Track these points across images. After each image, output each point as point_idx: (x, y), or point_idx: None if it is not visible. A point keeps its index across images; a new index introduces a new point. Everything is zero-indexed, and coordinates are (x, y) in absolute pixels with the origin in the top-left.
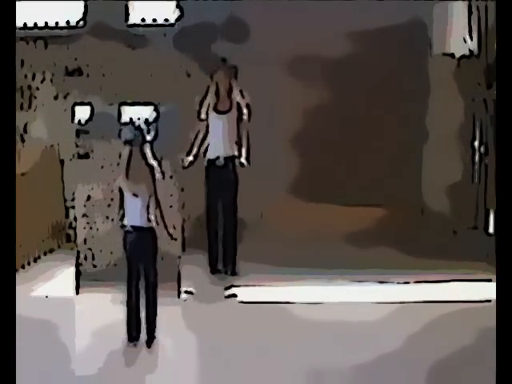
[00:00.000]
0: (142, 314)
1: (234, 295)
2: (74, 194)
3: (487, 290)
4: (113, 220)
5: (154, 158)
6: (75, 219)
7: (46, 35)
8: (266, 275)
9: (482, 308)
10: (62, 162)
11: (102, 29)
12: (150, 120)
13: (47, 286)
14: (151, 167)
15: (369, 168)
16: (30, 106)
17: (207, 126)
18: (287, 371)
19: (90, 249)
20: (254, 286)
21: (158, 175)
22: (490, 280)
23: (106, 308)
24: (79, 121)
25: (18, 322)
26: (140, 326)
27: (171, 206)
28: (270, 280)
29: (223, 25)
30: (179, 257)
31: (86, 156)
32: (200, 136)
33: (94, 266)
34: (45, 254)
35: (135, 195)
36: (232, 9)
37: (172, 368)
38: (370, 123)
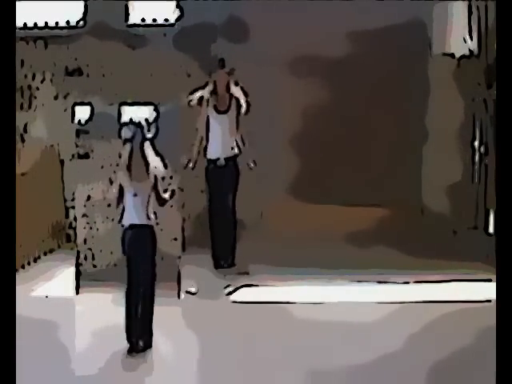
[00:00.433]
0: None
1: (232, 292)
2: (73, 193)
3: (487, 290)
4: (113, 220)
5: (157, 154)
6: (75, 219)
7: (46, 35)
8: (266, 275)
9: (482, 308)
10: (62, 162)
11: (102, 29)
12: (150, 120)
13: (47, 286)
14: (152, 165)
15: (369, 168)
16: (30, 106)
17: (207, 125)
18: (287, 371)
19: (90, 249)
20: (254, 286)
21: (162, 171)
22: (490, 280)
23: (106, 308)
24: (79, 121)
25: (18, 321)
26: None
27: (171, 206)
28: (270, 280)
29: (223, 25)
30: (179, 257)
31: (86, 156)
32: (199, 138)
33: (94, 266)
34: (45, 254)
35: (135, 194)
36: (232, 9)
37: (172, 368)
38: (369, 123)
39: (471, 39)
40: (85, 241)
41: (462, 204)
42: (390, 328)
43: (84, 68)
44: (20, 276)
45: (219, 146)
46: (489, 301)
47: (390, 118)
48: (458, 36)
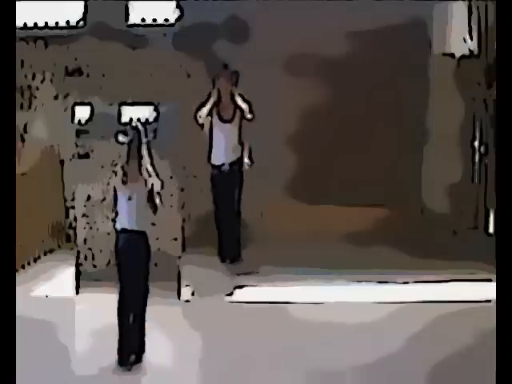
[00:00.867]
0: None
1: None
2: (73, 193)
3: (487, 290)
4: (113, 220)
5: (151, 160)
6: (75, 219)
7: (46, 35)
8: (266, 275)
9: (482, 308)
10: (62, 162)
11: (102, 29)
12: (150, 120)
13: (47, 286)
14: (148, 171)
15: (369, 168)
16: (30, 106)
17: (210, 133)
18: (287, 371)
19: (90, 249)
20: (254, 286)
21: (156, 184)
22: (490, 280)
23: (106, 308)
24: (79, 121)
25: (18, 321)
26: (135, 343)
27: (171, 206)
28: (270, 280)
29: (223, 25)
30: (179, 257)
31: (86, 156)
32: (214, 96)
33: (94, 266)
34: (45, 253)
35: (130, 198)
36: (232, 9)
37: (171, 369)
38: (369, 123)
39: (471, 39)
40: (85, 241)
41: (462, 204)
42: (390, 328)
43: (84, 68)
44: (20, 276)
45: (223, 153)
46: (489, 301)
47: (390, 117)
48: (458, 36)
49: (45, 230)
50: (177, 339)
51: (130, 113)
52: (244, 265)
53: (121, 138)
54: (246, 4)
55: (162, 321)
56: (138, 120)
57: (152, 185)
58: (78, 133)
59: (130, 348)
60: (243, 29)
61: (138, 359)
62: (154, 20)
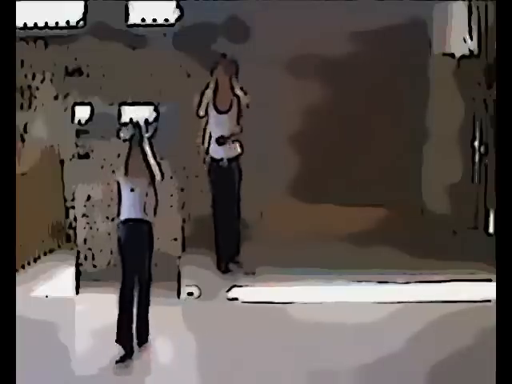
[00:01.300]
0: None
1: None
2: (74, 194)
3: (487, 290)
4: (113, 220)
5: (154, 155)
6: (75, 219)
7: (46, 35)
8: (266, 275)
9: (482, 308)
10: (62, 162)
11: (102, 29)
12: (150, 120)
13: (47, 286)
14: (149, 164)
15: (369, 168)
16: (30, 106)
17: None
18: (287, 372)
19: (90, 249)
20: (254, 286)
21: (157, 174)
22: (490, 280)
23: (106, 308)
24: (79, 121)
25: (17, 321)
26: (132, 335)
27: (171, 206)
28: (270, 280)
29: (223, 25)
30: (179, 257)
31: (86, 156)
32: (211, 87)
33: (94, 266)
34: (45, 254)
35: (132, 189)
36: (232, 9)
37: (171, 369)
38: (369, 123)
39: (471, 39)
40: (85, 241)
41: (462, 204)
42: (390, 328)
43: (84, 68)
44: (20, 276)
45: (221, 147)
46: (489, 301)
47: (389, 117)
48: (458, 36)
49: (45, 230)
50: (177, 339)
51: (130, 113)
52: (244, 265)
53: (123, 133)
54: (245, 4)
55: (161, 321)
56: (137, 123)
57: (154, 179)
58: (78, 133)
59: (129, 338)
60: (243, 29)
61: (144, 337)
62: (154, 20)
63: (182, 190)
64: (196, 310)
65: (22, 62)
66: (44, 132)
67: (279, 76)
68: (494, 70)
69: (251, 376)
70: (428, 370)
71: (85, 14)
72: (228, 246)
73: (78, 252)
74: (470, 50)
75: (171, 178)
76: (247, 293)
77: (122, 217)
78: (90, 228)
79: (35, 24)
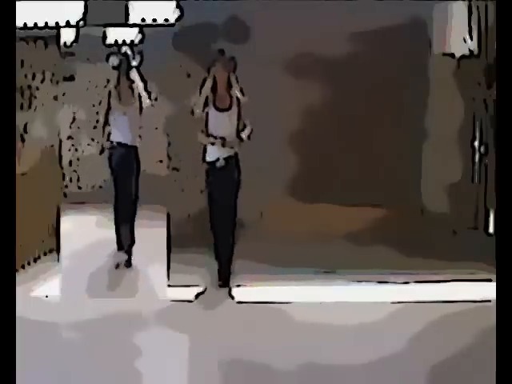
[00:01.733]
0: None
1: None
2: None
3: (487, 290)
4: (98, 142)
5: (142, 80)
6: (60, 142)
7: (46, 35)
8: (266, 275)
9: (482, 308)
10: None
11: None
12: (136, 42)
13: (47, 286)
14: (137, 90)
15: (368, 168)
16: (30, 106)
17: (206, 123)
18: (287, 372)
19: (75, 171)
20: (254, 286)
21: (145, 99)
22: (490, 280)
23: (91, 230)
24: (65, 43)
25: (17, 322)
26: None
27: (156, 128)
28: (270, 280)
29: (223, 25)
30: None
31: (71, 78)
32: (208, 84)
33: (79, 188)
34: (45, 254)
35: (124, 113)
36: (232, 9)
37: (165, 368)
38: (369, 123)
39: (471, 39)
40: (70, 163)
41: (462, 204)
42: (390, 328)
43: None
44: (20, 276)
45: (219, 146)
46: (489, 301)
47: (389, 117)
48: (458, 36)
49: (45, 230)
50: (177, 339)
51: (115, 35)
52: (243, 265)
53: (111, 61)
54: (245, 4)
55: (162, 321)
56: (124, 42)
57: (141, 102)
58: (64, 55)
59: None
60: (243, 29)
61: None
62: (154, 20)
63: (182, 190)
64: (195, 310)
65: (22, 61)
66: (44, 132)
67: (279, 76)
68: (494, 70)
69: (251, 375)
70: (428, 370)
71: (85, 14)
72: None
73: (64, 174)
74: (470, 49)
75: (156, 99)
76: (246, 292)
77: (114, 138)
78: (76, 150)
79: (35, 24)
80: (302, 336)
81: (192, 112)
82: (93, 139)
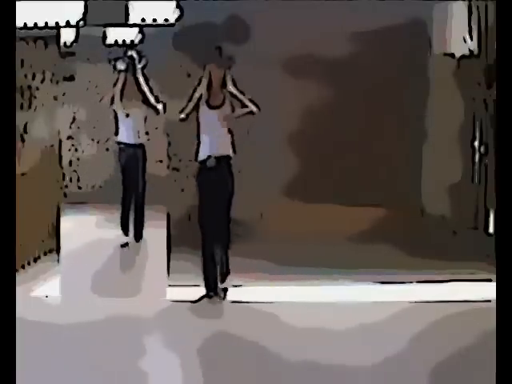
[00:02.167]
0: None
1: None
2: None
3: (487, 290)
4: (98, 142)
5: (147, 82)
6: (60, 142)
7: (46, 35)
8: (266, 275)
9: (482, 308)
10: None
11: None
12: (136, 42)
13: (47, 286)
14: (143, 91)
15: (368, 168)
16: (30, 106)
17: (198, 123)
18: (287, 372)
19: (76, 171)
20: (254, 285)
21: (151, 99)
22: (490, 280)
23: (91, 230)
24: (65, 43)
25: (17, 322)
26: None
27: (156, 128)
28: (270, 280)
29: (223, 25)
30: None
31: (71, 78)
32: (204, 82)
33: (79, 188)
34: (45, 253)
35: (127, 115)
36: (232, 9)
37: (172, 369)
38: (369, 123)
39: (471, 39)
40: (70, 163)
41: (462, 204)
42: (390, 328)
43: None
44: (20, 276)
45: (211, 144)
46: (489, 301)
47: (389, 117)
48: (458, 36)
49: (45, 230)
50: (177, 339)
51: (115, 35)
52: (243, 265)
53: (118, 65)
54: (245, 4)
55: (162, 321)
56: (124, 43)
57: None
58: (64, 55)
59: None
60: (243, 29)
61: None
62: (154, 20)
63: (182, 190)
64: (195, 310)
65: (22, 61)
66: (44, 132)
67: (279, 76)
68: (494, 70)
69: (251, 375)
70: (428, 370)
71: (85, 14)
72: (216, 264)
73: (64, 174)
74: (470, 49)
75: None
76: (246, 292)
77: (121, 138)
78: (76, 150)
79: (35, 24)
80: (301, 336)
81: (180, 112)
82: (93, 139)
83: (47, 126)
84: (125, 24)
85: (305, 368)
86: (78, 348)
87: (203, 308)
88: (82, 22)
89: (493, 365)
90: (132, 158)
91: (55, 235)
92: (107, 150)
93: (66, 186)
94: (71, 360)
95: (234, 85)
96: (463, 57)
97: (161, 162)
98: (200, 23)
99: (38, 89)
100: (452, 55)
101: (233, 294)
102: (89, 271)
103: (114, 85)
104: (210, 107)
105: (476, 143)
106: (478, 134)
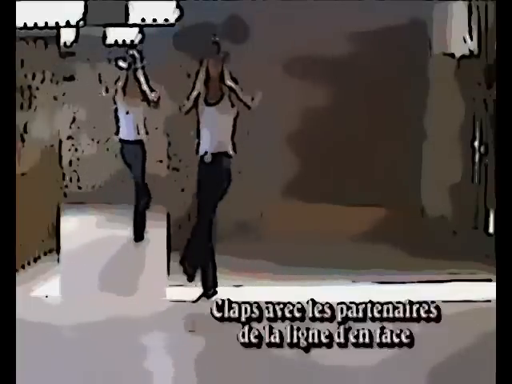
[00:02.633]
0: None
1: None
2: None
3: (487, 290)
4: (98, 142)
5: (147, 81)
6: (60, 142)
7: (46, 35)
8: (265, 274)
9: (482, 308)
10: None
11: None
12: (136, 42)
13: (47, 286)
14: (144, 89)
15: (368, 168)
16: (30, 106)
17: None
18: (287, 372)
19: (76, 171)
20: (253, 285)
21: (151, 97)
22: (490, 280)
23: (91, 230)
24: (65, 43)
25: (17, 322)
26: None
27: (156, 129)
28: (270, 280)
29: (223, 25)
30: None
31: (71, 78)
32: (201, 77)
33: (79, 188)
34: (45, 253)
35: (127, 112)
36: (232, 9)
37: (171, 369)
38: (369, 123)
39: (471, 39)
40: (70, 163)
41: (462, 204)
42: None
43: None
44: (20, 276)
45: (208, 140)
46: (489, 301)
47: (389, 117)
48: (458, 36)
49: (45, 230)
50: (176, 339)
51: (115, 35)
52: (243, 265)
53: (121, 63)
54: (245, 4)
55: (162, 321)
56: (124, 43)
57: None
58: (64, 55)
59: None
60: (243, 29)
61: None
62: (154, 20)
63: (183, 190)
64: (194, 310)
65: (22, 61)
66: (44, 132)
67: (279, 76)
68: (494, 70)
69: (251, 375)
70: (428, 370)
71: (85, 14)
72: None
73: (64, 174)
74: (470, 50)
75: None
76: (246, 292)
77: (121, 135)
78: (76, 150)
79: (35, 24)
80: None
81: (180, 108)
82: (93, 139)
83: (47, 126)
84: (125, 24)
85: (304, 367)
86: (78, 348)
87: (201, 307)
88: (81, 22)
89: (493, 365)
90: (132, 155)
91: (55, 235)
92: (107, 149)
93: (66, 186)
94: (71, 360)
95: (232, 79)
96: (463, 57)
97: (161, 162)
98: (200, 23)
99: (38, 89)
100: (452, 55)
101: (233, 294)
102: (89, 271)
103: (116, 82)
104: (208, 104)
105: (476, 143)
106: (478, 134)
